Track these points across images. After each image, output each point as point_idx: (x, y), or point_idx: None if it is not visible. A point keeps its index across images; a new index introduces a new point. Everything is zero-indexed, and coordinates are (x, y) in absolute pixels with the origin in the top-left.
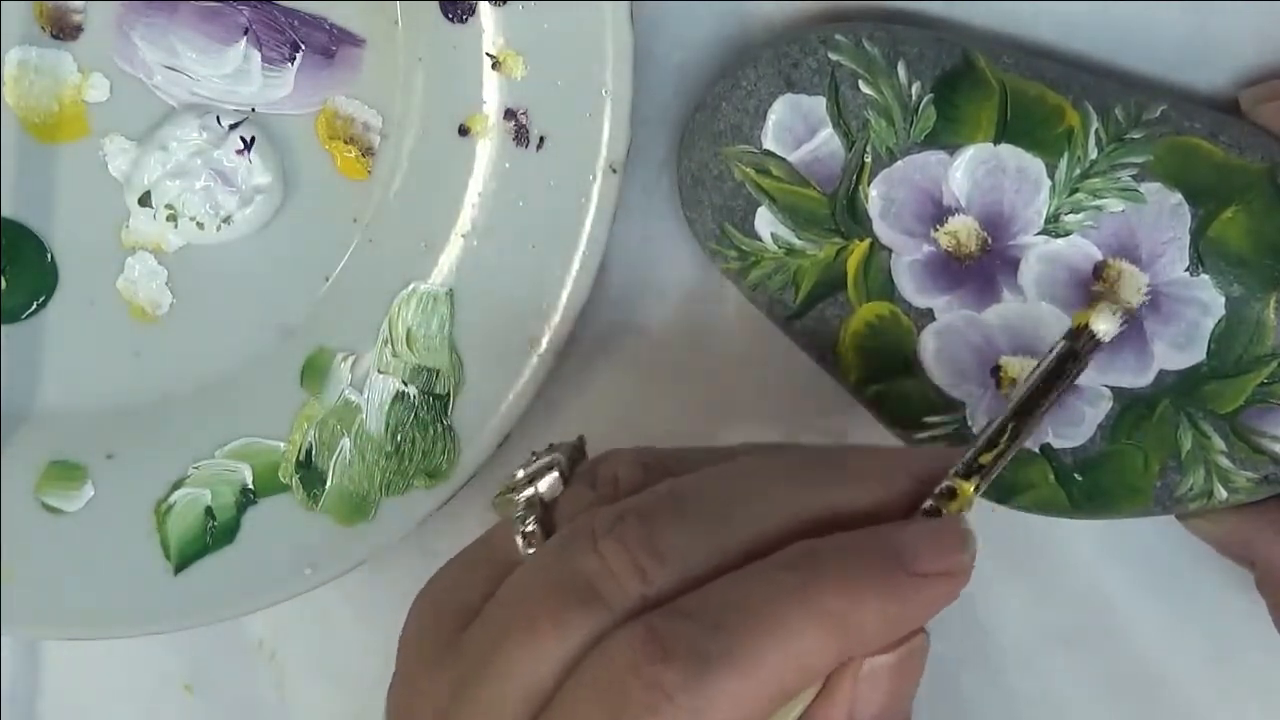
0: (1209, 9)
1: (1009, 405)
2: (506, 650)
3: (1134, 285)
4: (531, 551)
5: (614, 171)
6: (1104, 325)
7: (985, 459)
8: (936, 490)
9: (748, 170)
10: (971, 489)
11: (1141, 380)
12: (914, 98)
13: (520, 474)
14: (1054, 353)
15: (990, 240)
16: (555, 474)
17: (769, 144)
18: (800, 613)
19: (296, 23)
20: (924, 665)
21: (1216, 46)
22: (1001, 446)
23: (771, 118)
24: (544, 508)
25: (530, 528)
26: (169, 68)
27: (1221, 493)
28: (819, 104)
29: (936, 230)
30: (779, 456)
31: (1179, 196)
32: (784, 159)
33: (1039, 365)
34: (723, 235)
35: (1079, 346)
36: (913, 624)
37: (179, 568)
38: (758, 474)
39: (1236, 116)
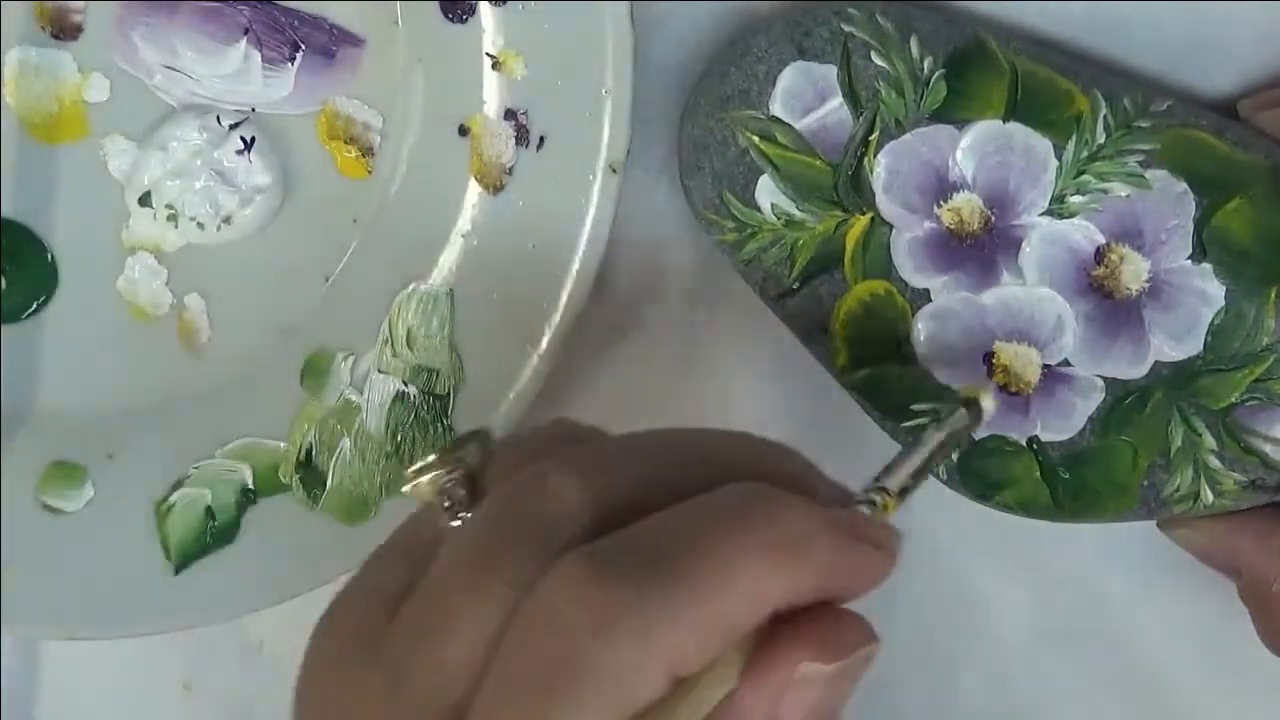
0: (1209, 10)
1: (905, 465)
2: (446, 616)
3: (1134, 273)
4: (463, 517)
5: (614, 171)
6: (989, 404)
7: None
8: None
9: (753, 136)
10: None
11: (1136, 371)
12: (925, 71)
13: (434, 456)
14: (948, 422)
15: (993, 218)
16: (477, 445)
17: (776, 110)
18: (750, 538)
19: (296, 23)
20: (860, 677)
21: (1216, 48)
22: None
23: (781, 83)
24: (470, 479)
25: (462, 494)
26: (169, 68)
27: (1208, 496)
28: (830, 72)
29: (940, 206)
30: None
31: (1184, 185)
32: (791, 125)
33: (932, 434)
34: (721, 204)
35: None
36: (854, 581)
37: (179, 568)
38: (698, 433)
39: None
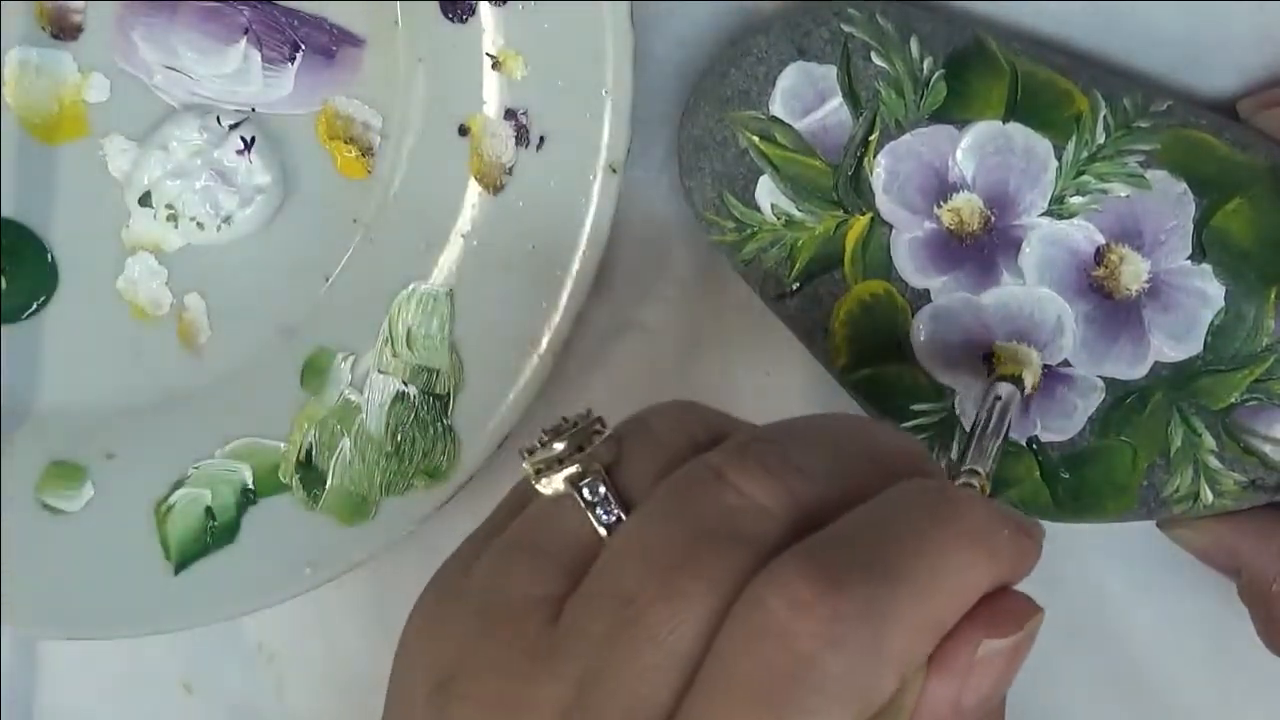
0: (1209, 9)
1: (982, 448)
2: (642, 622)
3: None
4: (611, 519)
5: (614, 171)
6: (1030, 378)
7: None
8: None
9: (753, 137)
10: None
11: (1136, 372)
12: (925, 71)
13: (558, 446)
14: (998, 399)
15: (993, 219)
16: (604, 438)
17: (776, 110)
18: (951, 533)
19: (296, 23)
20: (1027, 654)
21: (1216, 48)
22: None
23: (781, 84)
24: (608, 474)
25: (603, 491)
26: (169, 68)
27: (1208, 496)
28: (830, 73)
29: (940, 207)
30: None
31: (1184, 185)
32: (791, 126)
33: (985, 412)
34: (721, 204)
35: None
36: (1020, 570)
37: (179, 568)
38: (850, 422)
39: (1238, 118)
